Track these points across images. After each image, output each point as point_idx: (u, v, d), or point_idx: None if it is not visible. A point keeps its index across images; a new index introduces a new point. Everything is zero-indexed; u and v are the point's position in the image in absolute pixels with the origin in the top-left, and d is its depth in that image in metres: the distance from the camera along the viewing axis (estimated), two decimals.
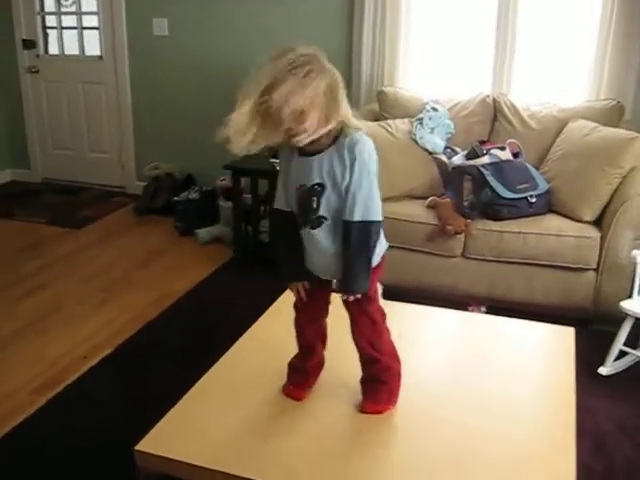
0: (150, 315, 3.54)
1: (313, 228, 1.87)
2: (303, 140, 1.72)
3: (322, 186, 1.81)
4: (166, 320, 3.51)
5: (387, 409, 2.04)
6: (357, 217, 1.80)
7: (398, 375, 2.08)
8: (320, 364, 2.16)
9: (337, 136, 1.78)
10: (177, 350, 3.20)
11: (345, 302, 1.95)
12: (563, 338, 2.57)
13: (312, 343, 2.11)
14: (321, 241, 1.88)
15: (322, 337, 2.12)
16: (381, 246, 1.96)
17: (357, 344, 2.03)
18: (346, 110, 1.75)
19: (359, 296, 1.91)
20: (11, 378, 3.01)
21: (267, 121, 1.67)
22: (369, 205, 1.80)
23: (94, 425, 2.67)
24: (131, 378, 2.99)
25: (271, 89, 1.63)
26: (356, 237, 1.82)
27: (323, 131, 1.72)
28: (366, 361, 2.04)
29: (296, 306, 2.08)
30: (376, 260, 1.94)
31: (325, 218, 1.85)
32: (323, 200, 1.82)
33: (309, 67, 1.66)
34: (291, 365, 2.16)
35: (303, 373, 2.14)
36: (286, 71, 1.64)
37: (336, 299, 2.00)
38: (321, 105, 1.67)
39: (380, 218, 1.85)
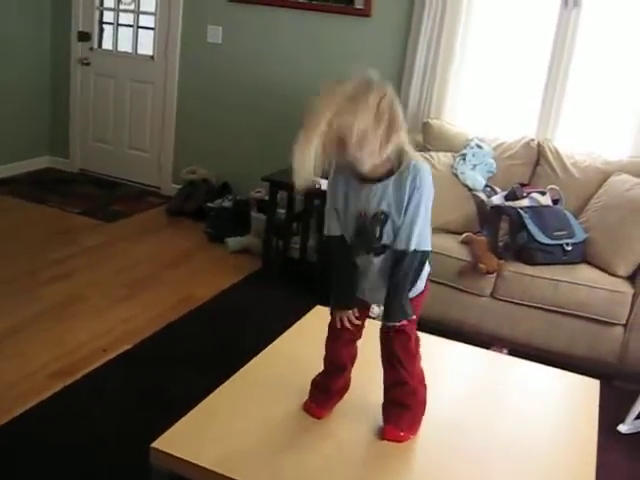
0: (172, 316, 3.54)
1: (376, 255, 1.87)
2: (366, 165, 1.72)
3: (385, 215, 1.80)
4: (187, 323, 3.51)
5: (408, 438, 2.00)
6: (413, 247, 1.81)
7: (423, 402, 2.05)
8: (346, 386, 2.14)
9: (395, 164, 1.77)
10: (195, 354, 3.20)
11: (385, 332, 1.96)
12: (587, 390, 2.53)
13: (343, 364, 2.08)
14: (381, 268, 1.89)
15: (353, 359, 2.10)
16: (426, 270, 1.97)
17: (388, 363, 1.99)
18: (404, 136, 1.75)
19: (403, 323, 1.91)
20: (30, 360, 3.03)
21: (331, 150, 1.67)
22: (424, 235, 1.82)
23: (106, 417, 2.68)
24: (147, 377, 2.99)
25: (334, 118, 1.62)
26: (409, 266, 1.83)
27: (384, 154, 1.71)
28: (394, 382, 2.00)
29: (333, 328, 2.03)
30: (423, 283, 1.98)
31: (388, 247, 1.84)
32: (386, 229, 1.81)
33: (369, 93, 1.66)
34: (315, 383, 2.13)
35: (327, 393, 2.10)
36: (346, 99, 1.63)
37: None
38: (381, 125, 1.66)
39: (430, 248, 1.87)
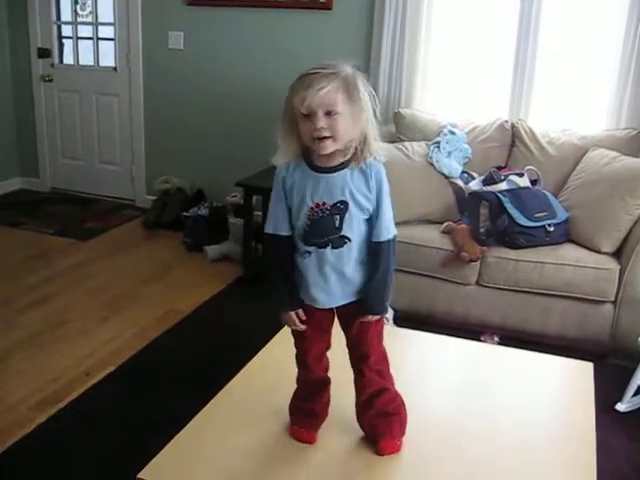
0: (155, 333, 3.47)
1: (333, 248, 1.79)
2: (329, 147, 1.68)
3: (345, 205, 1.76)
4: (171, 339, 3.44)
5: (402, 443, 1.95)
6: (388, 236, 1.80)
7: (403, 403, 1.99)
8: (328, 402, 2.03)
9: (352, 155, 1.74)
10: (181, 371, 3.12)
11: (356, 330, 1.88)
12: (581, 374, 2.48)
13: (323, 379, 1.99)
14: (340, 263, 1.81)
15: (327, 371, 2.01)
16: None
17: (363, 377, 1.92)
18: (372, 131, 1.73)
19: (379, 317, 1.88)
20: (11, 392, 2.94)
21: (302, 120, 1.67)
22: (391, 223, 1.81)
23: (94, 445, 2.60)
24: (133, 398, 2.92)
25: (308, 87, 1.64)
26: (387, 256, 1.81)
27: (346, 140, 1.70)
28: (374, 394, 1.92)
29: (300, 343, 1.95)
30: None
31: (349, 239, 1.79)
32: (346, 218, 1.77)
33: (358, 78, 1.70)
34: (296, 408, 2.02)
35: (313, 415, 2.00)
36: (323, 75, 1.65)
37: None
38: (353, 110, 1.67)
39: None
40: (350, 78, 1.68)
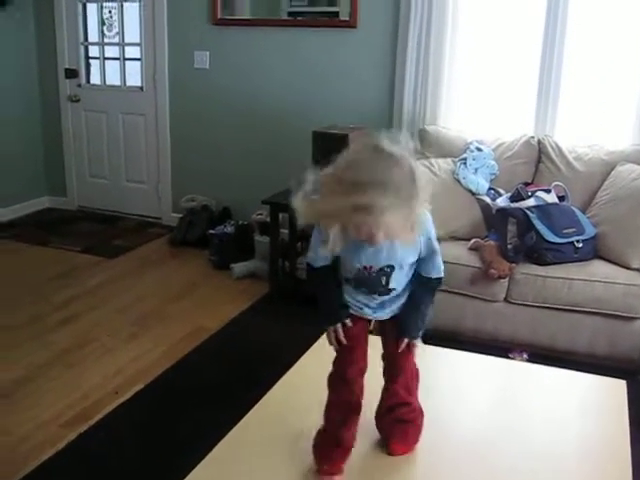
0: (182, 351, 3.48)
1: (380, 295, 1.81)
2: (381, 241, 1.60)
3: (392, 267, 1.74)
4: (199, 357, 3.44)
5: (413, 448, 1.98)
6: (439, 275, 1.82)
7: (422, 414, 2.00)
8: (355, 434, 1.94)
9: None
10: (210, 389, 3.12)
11: (392, 345, 1.89)
12: (613, 392, 2.44)
13: (358, 402, 1.92)
14: (388, 300, 1.83)
15: (362, 395, 1.96)
16: None
17: (391, 389, 1.94)
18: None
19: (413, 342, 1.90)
20: (42, 410, 2.96)
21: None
22: (441, 264, 1.82)
23: (123, 464, 2.60)
24: (162, 417, 2.92)
25: (367, 209, 1.49)
26: (432, 291, 1.85)
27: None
28: (396, 405, 1.95)
29: (342, 357, 1.90)
30: None
31: (395, 289, 1.79)
32: (393, 276, 1.76)
33: (407, 186, 1.54)
34: (323, 442, 1.92)
35: (341, 446, 1.90)
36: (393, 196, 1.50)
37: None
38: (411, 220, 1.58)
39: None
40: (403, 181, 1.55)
